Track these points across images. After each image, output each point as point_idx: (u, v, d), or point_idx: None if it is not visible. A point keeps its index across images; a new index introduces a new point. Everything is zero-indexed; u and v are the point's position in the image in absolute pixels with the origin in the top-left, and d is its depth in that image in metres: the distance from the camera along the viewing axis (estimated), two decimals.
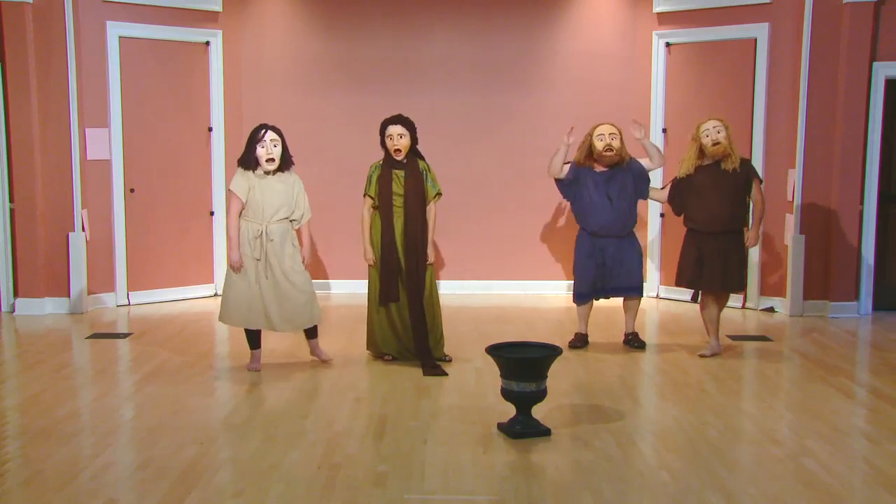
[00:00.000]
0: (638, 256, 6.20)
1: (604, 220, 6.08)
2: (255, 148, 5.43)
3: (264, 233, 5.42)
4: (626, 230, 6.14)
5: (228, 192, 5.51)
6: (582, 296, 6.23)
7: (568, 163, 6.18)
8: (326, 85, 8.41)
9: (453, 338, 6.45)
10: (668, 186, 6.16)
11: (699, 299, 6.13)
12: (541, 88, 8.42)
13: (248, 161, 5.46)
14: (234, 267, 5.44)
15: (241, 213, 5.46)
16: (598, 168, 6.10)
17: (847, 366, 5.89)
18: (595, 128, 6.13)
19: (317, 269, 8.20)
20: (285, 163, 5.52)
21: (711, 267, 5.90)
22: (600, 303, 6.43)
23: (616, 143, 6.02)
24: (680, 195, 6.03)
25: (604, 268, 6.13)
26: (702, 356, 6.00)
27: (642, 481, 3.83)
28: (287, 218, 5.53)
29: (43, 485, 3.75)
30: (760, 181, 6.04)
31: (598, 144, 6.04)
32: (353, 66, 8.40)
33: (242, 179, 5.44)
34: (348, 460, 4.05)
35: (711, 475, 3.88)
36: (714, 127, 5.85)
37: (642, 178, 6.14)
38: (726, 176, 5.87)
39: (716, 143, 5.84)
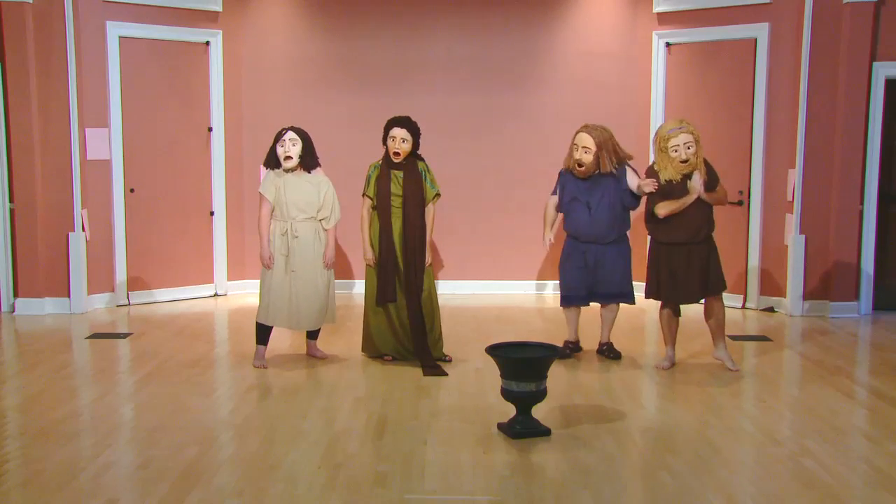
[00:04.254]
0: (622, 264, 5.87)
1: (582, 226, 5.86)
2: (276, 147, 5.59)
3: (290, 230, 5.57)
4: (607, 238, 5.83)
5: (259, 194, 5.70)
6: (564, 298, 6.00)
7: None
8: (326, 85, 8.41)
9: (453, 338, 6.45)
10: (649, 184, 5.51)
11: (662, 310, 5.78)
12: (541, 88, 8.42)
13: (270, 160, 5.64)
14: (266, 263, 5.59)
15: (271, 213, 5.62)
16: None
17: (847, 366, 5.89)
18: (577, 132, 5.81)
19: None
20: (308, 163, 5.65)
21: (687, 279, 5.52)
22: None
23: (587, 158, 5.69)
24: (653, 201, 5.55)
25: (586, 272, 5.88)
26: (661, 368, 5.71)
27: (642, 481, 3.83)
28: (314, 217, 5.65)
29: (43, 485, 3.75)
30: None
31: (574, 154, 5.80)
32: (354, 66, 8.40)
33: (270, 182, 5.61)
34: (348, 460, 4.05)
35: (711, 475, 3.88)
36: (685, 143, 5.36)
37: (626, 189, 5.76)
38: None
39: (684, 162, 5.39)
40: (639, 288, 6.04)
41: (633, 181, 5.77)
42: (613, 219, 5.83)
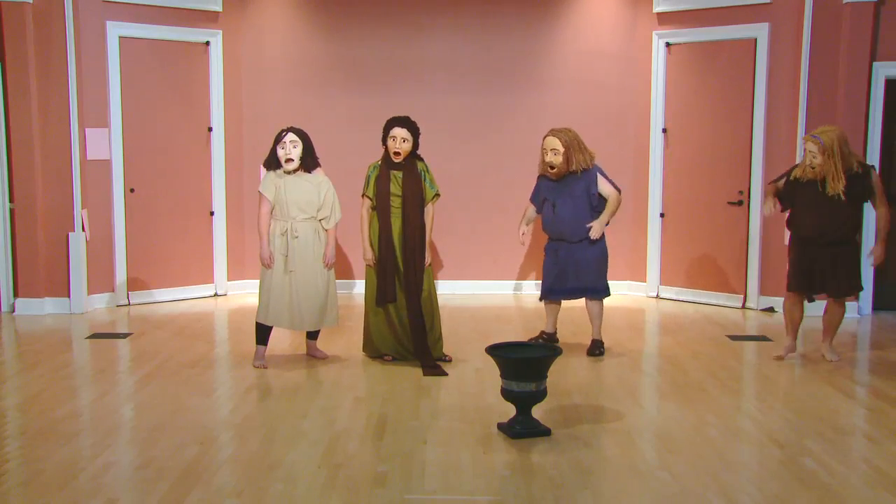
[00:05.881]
0: (593, 260, 5.99)
1: (548, 225, 6.07)
2: (277, 149, 5.59)
3: (290, 230, 5.57)
4: (573, 237, 5.97)
5: (259, 193, 5.70)
6: (542, 292, 6.21)
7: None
8: (326, 85, 8.41)
9: (453, 338, 6.45)
10: (780, 182, 5.88)
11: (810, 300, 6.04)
12: (541, 88, 8.42)
13: (271, 162, 5.65)
14: (265, 262, 5.60)
15: (271, 212, 5.62)
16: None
17: (847, 366, 5.89)
18: (545, 137, 6.00)
19: None
20: (308, 164, 5.65)
21: (822, 273, 5.74)
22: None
23: (557, 160, 5.88)
24: (790, 196, 5.79)
25: (558, 269, 6.06)
26: (778, 358, 5.91)
27: (642, 481, 3.83)
28: (314, 217, 5.66)
29: (43, 485, 3.75)
30: (874, 194, 5.64)
31: (545, 158, 5.99)
32: (353, 66, 8.40)
33: (270, 181, 5.62)
34: (348, 460, 4.05)
35: (711, 475, 3.88)
36: (810, 151, 5.55)
37: (594, 194, 5.94)
38: (826, 197, 5.59)
39: (811, 167, 5.58)
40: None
41: (604, 188, 5.95)
42: (578, 218, 5.96)
